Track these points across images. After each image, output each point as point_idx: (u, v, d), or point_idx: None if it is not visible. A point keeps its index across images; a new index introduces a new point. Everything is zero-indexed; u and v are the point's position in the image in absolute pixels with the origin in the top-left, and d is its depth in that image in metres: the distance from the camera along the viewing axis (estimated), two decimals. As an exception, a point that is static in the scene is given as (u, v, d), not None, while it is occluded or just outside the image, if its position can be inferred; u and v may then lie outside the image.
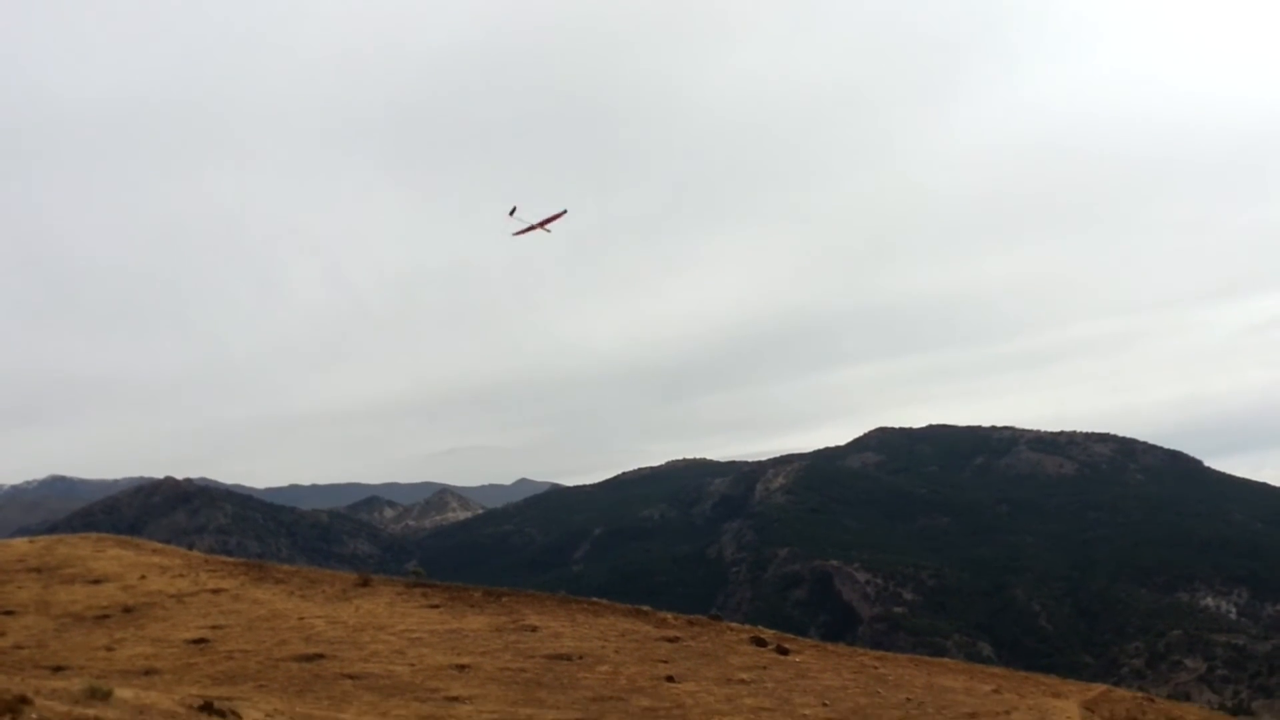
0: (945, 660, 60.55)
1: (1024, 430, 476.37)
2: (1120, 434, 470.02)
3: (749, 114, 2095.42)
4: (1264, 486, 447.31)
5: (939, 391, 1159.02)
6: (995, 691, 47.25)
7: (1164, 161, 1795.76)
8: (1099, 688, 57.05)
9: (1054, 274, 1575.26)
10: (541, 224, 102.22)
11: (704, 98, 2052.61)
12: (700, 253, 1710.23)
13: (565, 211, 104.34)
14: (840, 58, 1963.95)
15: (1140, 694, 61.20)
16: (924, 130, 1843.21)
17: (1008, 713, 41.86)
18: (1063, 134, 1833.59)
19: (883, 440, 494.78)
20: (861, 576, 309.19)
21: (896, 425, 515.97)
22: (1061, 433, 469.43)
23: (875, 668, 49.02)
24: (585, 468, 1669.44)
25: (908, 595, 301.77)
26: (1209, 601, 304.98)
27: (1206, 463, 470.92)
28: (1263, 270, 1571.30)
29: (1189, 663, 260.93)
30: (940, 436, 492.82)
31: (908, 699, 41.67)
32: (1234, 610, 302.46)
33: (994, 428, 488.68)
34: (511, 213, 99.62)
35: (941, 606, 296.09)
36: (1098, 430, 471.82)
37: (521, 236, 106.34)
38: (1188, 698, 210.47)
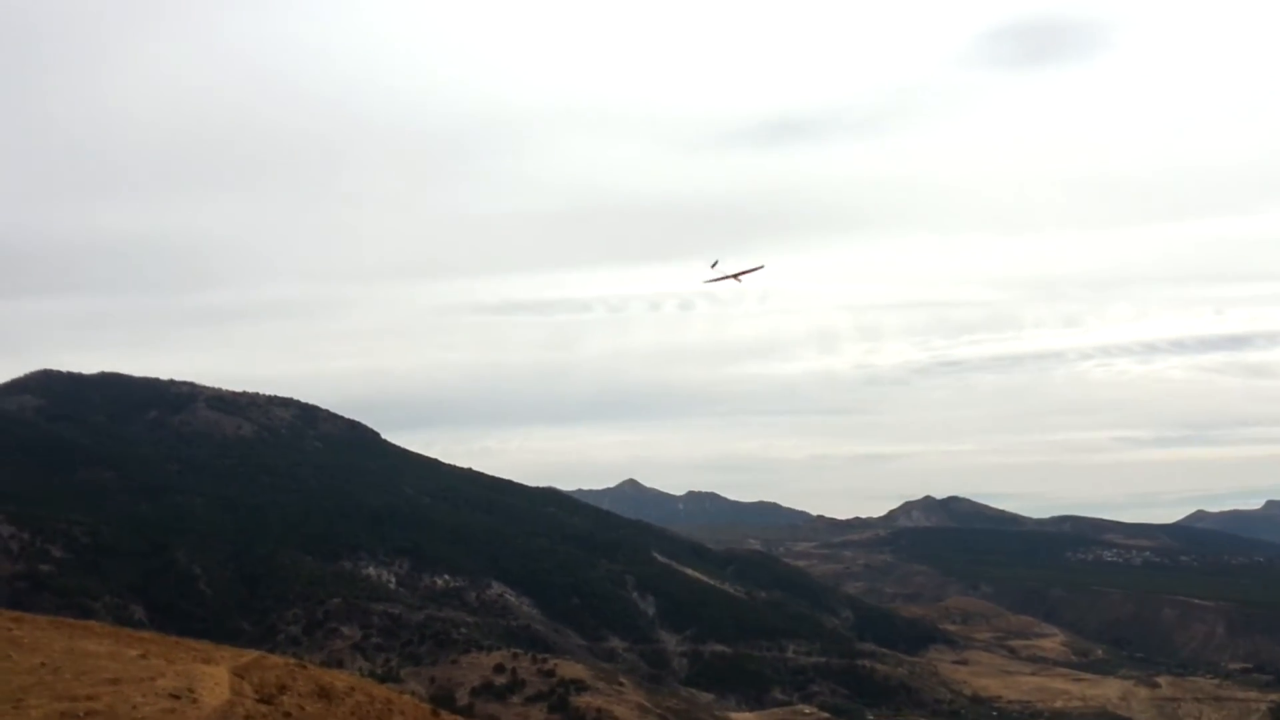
0: (90, 623, 58.92)
1: (204, 387, 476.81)
2: (303, 400, 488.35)
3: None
4: (435, 462, 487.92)
5: (115, 338, 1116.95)
6: (142, 656, 46.66)
7: (373, 140, 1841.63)
8: (252, 654, 58.53)
9: (245, 233, 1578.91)
10: (736, 275, 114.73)
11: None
12: None
13: (762, 266, 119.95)
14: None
15: (293, 660, 63.57)
16: (136, 56, 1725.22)
17: (154, 679, 41.45)
18: (267, 94, 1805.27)
19: (46, 384, 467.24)
20: (5, 530, 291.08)
21: (63, 369, 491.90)
22: (243, 393, 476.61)
23: (9, 630, 46.59)
24: None
25: (57, 553, 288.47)
26: (371, 571, 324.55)
27: (384, 435, 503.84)
28: (455, 255, 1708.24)
29: (346, 630, 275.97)
30: (112, 385, 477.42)
31: (42, 664, 39.88)
32: (394, 580, 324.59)
33: (172, 381, 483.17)
34: (713, 265, 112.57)
35: (95, 566, 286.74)
36: (280, 394, 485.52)
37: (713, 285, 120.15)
38: (341, 664, 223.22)
